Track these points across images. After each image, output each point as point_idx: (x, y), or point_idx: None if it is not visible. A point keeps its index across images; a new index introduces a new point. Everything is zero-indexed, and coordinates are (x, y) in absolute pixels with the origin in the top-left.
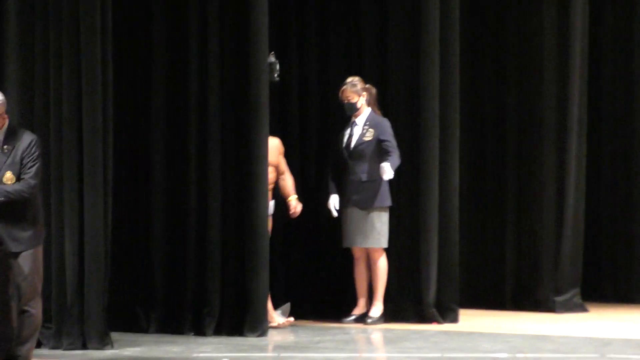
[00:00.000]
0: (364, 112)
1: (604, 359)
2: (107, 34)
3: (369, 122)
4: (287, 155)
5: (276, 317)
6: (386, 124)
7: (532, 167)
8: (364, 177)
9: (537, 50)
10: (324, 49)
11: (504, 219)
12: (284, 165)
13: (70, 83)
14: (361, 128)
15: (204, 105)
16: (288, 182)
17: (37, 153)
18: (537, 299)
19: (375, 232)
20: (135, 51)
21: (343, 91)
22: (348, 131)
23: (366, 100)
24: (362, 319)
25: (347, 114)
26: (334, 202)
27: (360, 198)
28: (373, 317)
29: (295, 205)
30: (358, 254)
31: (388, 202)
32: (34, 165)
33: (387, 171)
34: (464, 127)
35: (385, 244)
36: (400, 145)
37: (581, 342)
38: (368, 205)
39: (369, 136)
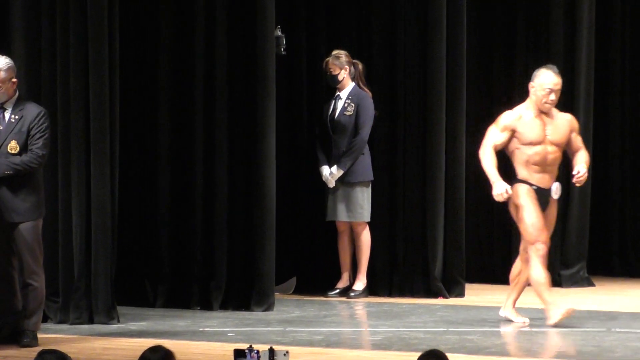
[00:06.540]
0: (349, 85)
1: (609, 333)
2: (115, 6)
3: (352, 97)
4: (294, 128)
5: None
6: (368, 101)
7: None
8: None
9: (545, 23)
10: (333, 23)
11: None
12: (578, 143)
13: (77, 57)
14: (344, 101)
15: (211, 77)
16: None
17: (45, 125)
18: None
19: (358, 206)
20: (142, 21)
21: (326, 63)
22: (332, 104)
23: (351, 74)
24: (346, 292)
25: (330, 86)
26: (326, 173)
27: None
28: (356, 291)
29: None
30: (342, 227)
31: (370, 176)
32: (42, 136)
33: (331, 178)
34: (470, 100)
35: (368, 218)
36: (407, 119)
37: (587, 316)
38: (351, 179)
39: (350, 110)
